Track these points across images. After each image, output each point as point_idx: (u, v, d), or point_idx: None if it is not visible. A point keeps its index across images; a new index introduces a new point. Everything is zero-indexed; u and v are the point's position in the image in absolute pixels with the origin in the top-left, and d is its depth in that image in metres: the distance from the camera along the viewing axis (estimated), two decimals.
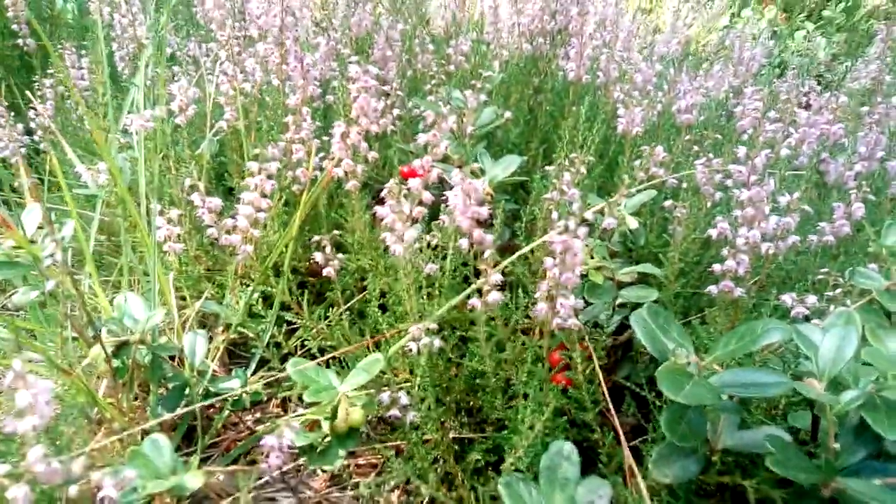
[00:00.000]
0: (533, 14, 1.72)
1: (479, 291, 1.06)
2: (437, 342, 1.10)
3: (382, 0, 1.73)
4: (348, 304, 1.47)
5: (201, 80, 1.62)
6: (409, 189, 1.10)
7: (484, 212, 1.01)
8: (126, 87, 1.67)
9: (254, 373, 1.51)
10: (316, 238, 1.20)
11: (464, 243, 1.05)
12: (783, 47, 4.06)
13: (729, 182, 1.32)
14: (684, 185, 1.43)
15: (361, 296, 1.52)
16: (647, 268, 1.28)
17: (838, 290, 1.19)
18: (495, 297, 1.02)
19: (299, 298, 1.40)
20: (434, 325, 1.10)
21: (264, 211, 1.21)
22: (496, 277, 1.00)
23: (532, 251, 1.33)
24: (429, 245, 1.25)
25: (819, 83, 3.88)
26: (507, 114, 1.64)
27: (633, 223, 1.40)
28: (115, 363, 1.14)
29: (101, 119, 1.53)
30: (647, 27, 2.21)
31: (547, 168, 1.44)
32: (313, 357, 1.49)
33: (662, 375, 0.95)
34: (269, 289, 1.37)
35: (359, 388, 1.05)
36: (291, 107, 1.35)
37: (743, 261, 1.05)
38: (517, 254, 1.16)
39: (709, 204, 1.34)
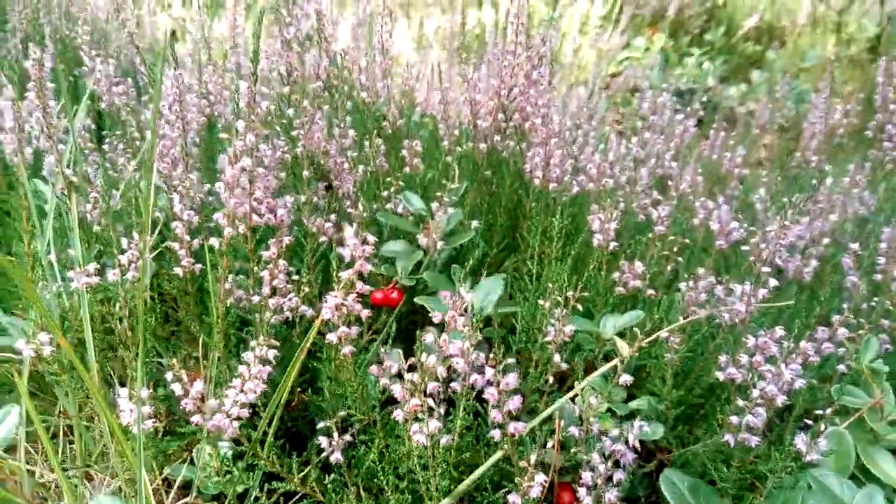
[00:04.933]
0: (488, 110, 1.68)
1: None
2: None
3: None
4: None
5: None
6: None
7: (518, 402, 0.96)
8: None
9: None
10: (321, 425, 1.10)
11: (496, 434, 0.99)
12: (677, 75, 4.27)
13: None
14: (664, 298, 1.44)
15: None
16: (646, 403, 1.29)
17: (829, 410, 1.24)
18: (536, 492, 0.97)
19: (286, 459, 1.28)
20: None
21: (255, 393, 1.10)
22: (540, 478, 0.95)
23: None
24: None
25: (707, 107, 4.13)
26: (475, 223, 1.60)
27: (624, 348, 1.40)
28: None
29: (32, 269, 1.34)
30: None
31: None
32: None
33: None
34: (253, 458, 1.25)
35: None
36: (266, 258, 1.23)
37: (760, 414, 1.07)
38: (539, 419, 1.12)
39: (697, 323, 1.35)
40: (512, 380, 0.94)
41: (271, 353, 1.06)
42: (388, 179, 1.64)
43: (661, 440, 1.36)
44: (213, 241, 1.20)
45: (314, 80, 1.48)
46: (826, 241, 1.64)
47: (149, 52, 3.13)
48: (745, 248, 1.27)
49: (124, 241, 1.25)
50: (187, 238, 1.29)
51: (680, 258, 1.53)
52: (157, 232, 1.59)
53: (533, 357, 1.36)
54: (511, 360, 0.95)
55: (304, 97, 1.53)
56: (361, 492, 1.30)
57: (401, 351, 1.48)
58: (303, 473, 1.36)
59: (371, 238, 1.09)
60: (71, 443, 1.63)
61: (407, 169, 1.68)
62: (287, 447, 1.47)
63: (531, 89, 1.66)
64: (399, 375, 1.12)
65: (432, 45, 3.85)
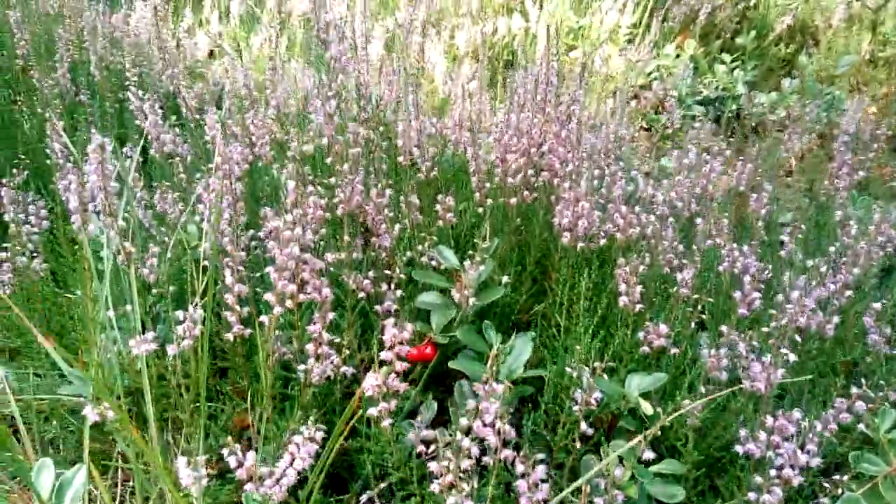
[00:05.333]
0: (518, 167, 1.74)
1: None
2: None
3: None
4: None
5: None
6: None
7: (546, 490, 1.04)
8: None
9: None
10: (365, 498, 1.19)
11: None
12: (707, 83, 4.25)
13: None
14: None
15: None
16: (672, 466, 1.36)
17: (846, 476, 1.30)
18: None
19: None
20: None
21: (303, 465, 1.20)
22: None
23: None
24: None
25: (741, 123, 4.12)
26: (505, 278, 1.67)
27: (648, 409, 1.47)
28: None
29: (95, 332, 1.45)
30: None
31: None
32: None
33: None
34: None
35: None
36: (311, 332, 1.33)
37: (777, 494, 1.13)
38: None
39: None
40: (541, 472, 1.02)
41: (319, 434, 1.15)
42: (423, 234, 1.72)
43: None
44: (263, 319, 1.29)
45: (353, 144, 1.56)
46: (849, 293, 1.68)
47: (188, 74, 3.24)
48: (765, 329, 1.33)
49: (179, 314, 1.35)
50: (237, 307, 1.38)
51: (704, 315, 1.59)
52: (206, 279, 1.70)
53: (561, 418, 1.44)
54: (540, 455, 1.02)
55: (344, 161, 1.61)
56: None
57: (435, 404, 1.57)
58: None
59: (409, 326, 1.17)
60: (126, 480, 1.76)
61: (440, 223, 1.76)
62: (328, 491, 1.58)
63: (560, 147, 1.72)
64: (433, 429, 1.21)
65: (463, 61, 3.90)
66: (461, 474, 1.12)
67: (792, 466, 1.13)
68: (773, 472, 1.14)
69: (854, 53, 4.89)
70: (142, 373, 1.40)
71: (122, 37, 3.42)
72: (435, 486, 1.15)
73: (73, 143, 2.61)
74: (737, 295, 1.45)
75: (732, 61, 4.50)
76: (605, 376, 1.34)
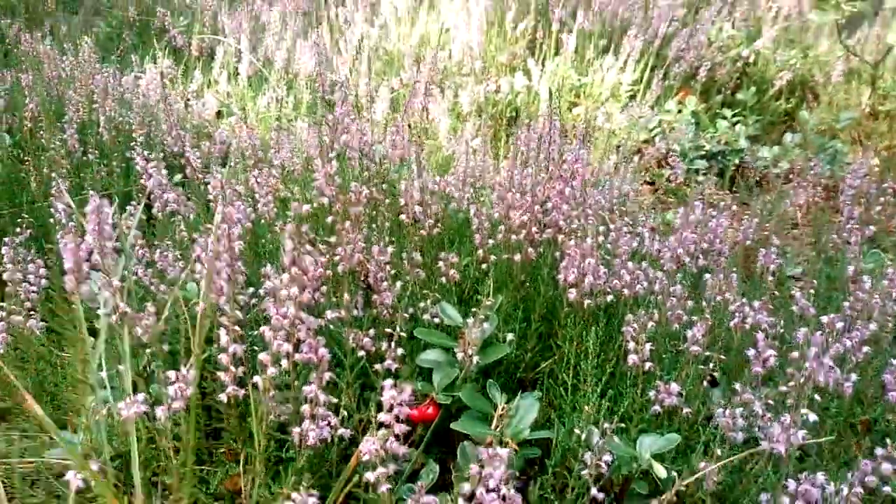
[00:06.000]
0: (522, 224, 1.72)
1: None
2: None
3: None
4: None
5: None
6: None
7: None
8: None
9: None
10: None
11: None
12: (709, 137, 4.27)
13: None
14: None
15: None
16: None
17: None
18: None
19: None
20: None
21: None
22: None
23: None
24: None
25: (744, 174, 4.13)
26: (510, 336, 1.62)
27: (661, 472, 1.40)
28: None
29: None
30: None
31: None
32: None
33: None
34: None
35: None
36: (307, 394, 1.28)
37: None
38: None
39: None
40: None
41: (312, 500, 1.09)
42: (425, 292, 1.69)
43: None
44: (257, 379, 1.25)
45: (355, 203, 1.54)
46: (866, 349, 1.62)
47: (195, 135, 3.27)
48: (783, 388, 1.28)
49: (172, 374, 1.31)
50: (232, 368, 1.34)
51: (716, 373, 1.54)
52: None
53: (569, 482, 1.37)
54: None
55: (345, 218, 1.60)
56: None
57: (437, 466, 1.51)
58: None
59: (409, 387, 1.12)
60: None
61: (443, 279, 1.73)
62: None
63: (564, 204, 1.70)
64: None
65: (468, 119, 3.94)
66: None
67: None
68: None
69: (854, 107, 4.93)
70: (129, 435, 1.35)
71: (131, 98, 3.47)
72: None
73: (79, 203, 2.62)
74: (751, 353, 1.40)
75: (733, 116, 4.54)
76: (616, 438, 1.28)
